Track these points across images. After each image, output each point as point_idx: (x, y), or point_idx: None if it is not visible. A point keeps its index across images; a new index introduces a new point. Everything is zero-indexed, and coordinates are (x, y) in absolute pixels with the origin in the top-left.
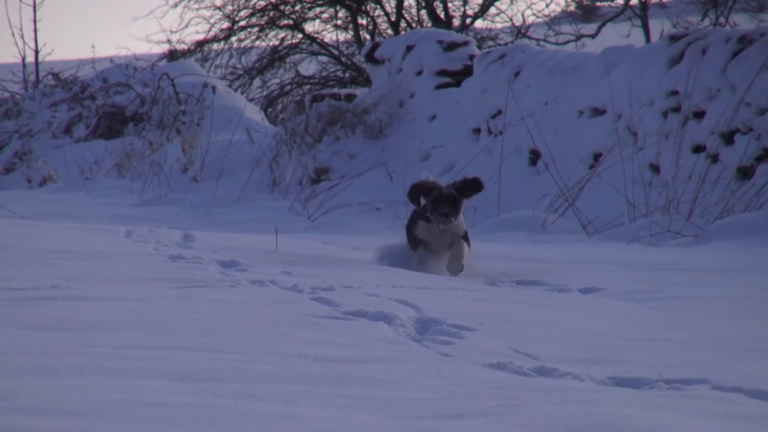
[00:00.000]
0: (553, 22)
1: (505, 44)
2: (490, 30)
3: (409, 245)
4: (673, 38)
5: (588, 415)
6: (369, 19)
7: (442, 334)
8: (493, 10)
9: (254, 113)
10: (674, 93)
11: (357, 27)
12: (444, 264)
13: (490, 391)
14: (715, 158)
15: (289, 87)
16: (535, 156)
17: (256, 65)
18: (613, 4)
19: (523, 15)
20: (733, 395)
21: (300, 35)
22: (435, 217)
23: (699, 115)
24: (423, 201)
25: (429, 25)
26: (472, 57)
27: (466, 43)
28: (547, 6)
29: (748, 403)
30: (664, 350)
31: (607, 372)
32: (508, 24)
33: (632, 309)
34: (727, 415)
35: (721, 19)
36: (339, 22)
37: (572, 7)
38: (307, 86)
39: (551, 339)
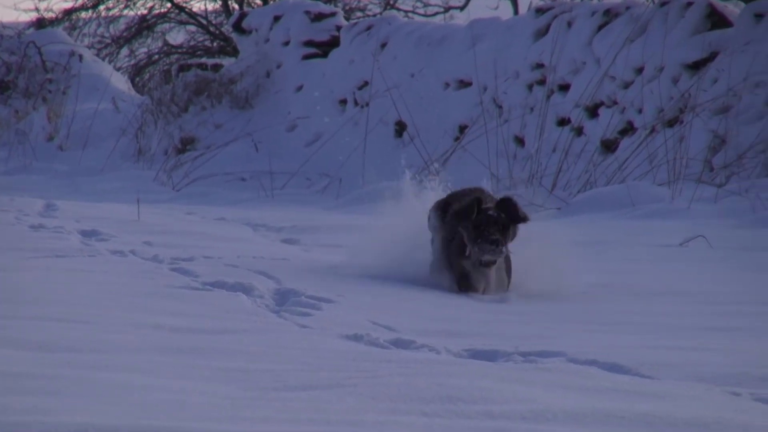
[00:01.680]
0: None
1: (373, 15)
2: (359, 1)
3: (447, 268)
4: (540, 11)
5: (440, 387)
6: None
7: (300, 306)
8: None
9: (121, 82)
10: (539, 66)
11: None
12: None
13: (345, 363)
14: (579, 131)
15: (156, 56)
16: (400, 127)
17: (124, 34)
18: None
19: None
20: (587, 368)
21: (169, 4)
22: (480, 245)
23: (564, 88)
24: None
25: None
26: (339, 28)
27: (333, 14)
28: None
29: (601, 377)
30: (522, 323)
31: (464, 344)
32: None
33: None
34: (579, 387)
35: None
36: None
37: None
38: (175, 56)
39: (410, 311)
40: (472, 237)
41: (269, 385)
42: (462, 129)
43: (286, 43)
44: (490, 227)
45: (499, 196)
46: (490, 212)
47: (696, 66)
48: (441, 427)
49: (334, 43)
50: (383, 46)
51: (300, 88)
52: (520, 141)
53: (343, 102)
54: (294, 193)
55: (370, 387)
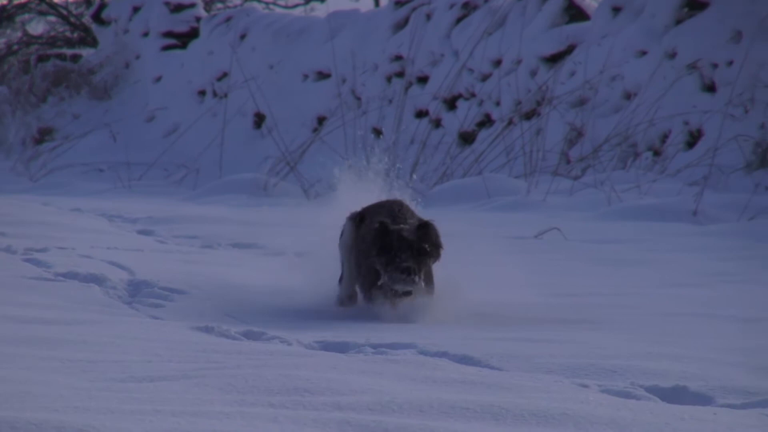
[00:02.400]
0: None
1: (233, 7)
2: None
3: (360, 289)
4: (398, 3)
5: (288, 378)
6: None
7: (153, 297)
8: None
9: None
10: (398, 58)
11: None
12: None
13: (194, 354)
14: (437, 123)
15: (16, 47)
16: (259, 119)
17: None
18: None
19: None
20: (437, 360)
21: None
22: (390, 274)
23: (422, 80)
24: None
25: None
26: (198, 19)
27: (192, 5)
28: None
29: (451, 368)
30: (375, 316)
31: (316, 336)
32: None
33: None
34: (427, 379)
35: None
36: None
37: None
38: (35, 46)
39: (263, 303)
40: (382, 263)
41: (116, 375)
42: (320, 121)
43: (146, 34)
44: (402, 253)
45: (418, 218)
46: (404, 234)
47: (553, 59)
48: (287, 418)
49: (193, 34)
50: (242, 37)
51: (159, 79)
52: (378, 132)
53: (202, 93)
54: (151, 184)
55: (218, 378)
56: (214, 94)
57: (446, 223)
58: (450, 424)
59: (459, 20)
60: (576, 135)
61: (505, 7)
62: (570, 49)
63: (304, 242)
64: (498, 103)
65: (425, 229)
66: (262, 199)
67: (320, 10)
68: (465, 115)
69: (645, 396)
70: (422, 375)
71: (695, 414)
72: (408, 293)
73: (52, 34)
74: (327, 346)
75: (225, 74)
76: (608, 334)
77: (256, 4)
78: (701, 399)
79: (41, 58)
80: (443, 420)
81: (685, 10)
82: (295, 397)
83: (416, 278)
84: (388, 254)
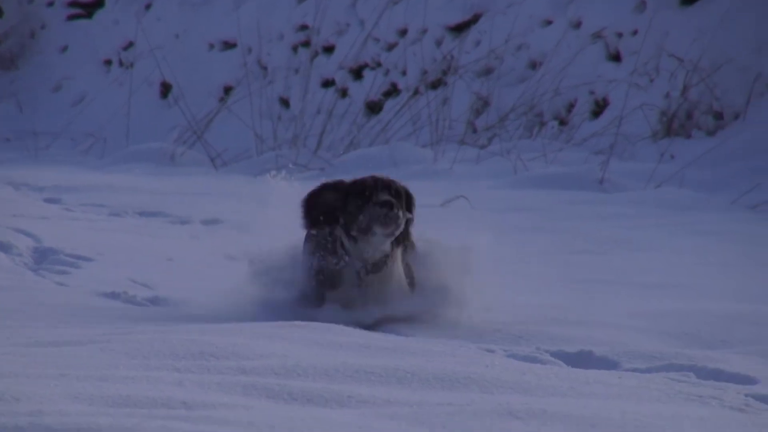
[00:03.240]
0: None
1: None
2: None
3: (309, 294)
4: None
5: (193, 343)
6: None
7: (59, 264)
8: None
9: None
10: (304, 27)
11: None
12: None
13: (100, 320)
14: (343, 93)
15: None
16: (165, 88)
17: None
18: None
19: None
20: (342, 326)
21: None
22: (368, 212)
23: (328, 50)
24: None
25: None
26: None
27: None
28: None
29: (357, 334)
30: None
31: (222, 302)
32: None
33: (251, 240)
34: (333, 344)
35: None
36: None
37: None
38: None
39: (169, 270)
40: (354, 210)
41: (20, 341)
42: (227, 90)
43: (51, 4)
44: (378, 191)
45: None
46: (378, 175)
47: (458, 28)
48: (192, 382)
49: (98, 3)
50: (148, 7)
51: (65, 49)
52: (285, 102)
53: (108, 62)
54: (59, 153)
55: (124, 343)
56: (121, 64)
57: None
58: (354, 387)
59: None
60: (482, 104)
61: None
62: (475, 19)
63: (210, 211)
64: (404, 73)
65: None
66: (169, 168)
67: None
68: (371, 84)
69: (550, 361)
70: (327, 340)
71: (600, 378)
72: (391, 234)
73: None
74: (233, 312)
75: (131, 44)
76: (513, 300)
77: None
78: (606, 363)
79: None
80: (348, 384)
81: None
82: (200, 362)
83: (399, 214)
84: (360, 195)
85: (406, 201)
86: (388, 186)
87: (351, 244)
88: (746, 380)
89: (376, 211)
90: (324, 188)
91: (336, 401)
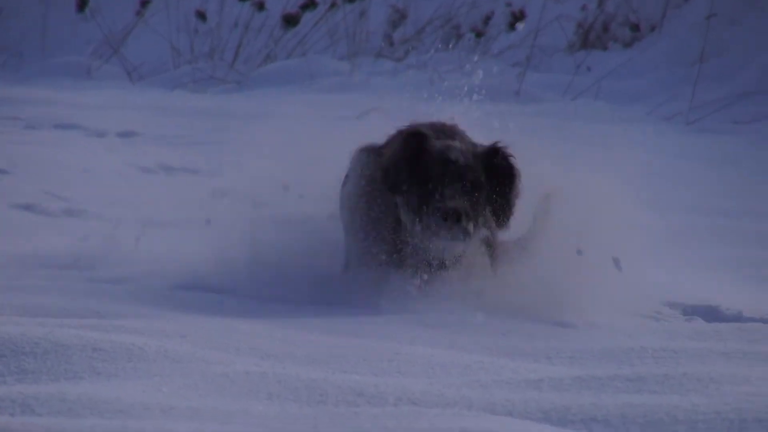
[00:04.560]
0: None
1: None
2: None
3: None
4: None
5: (104, 245)
6: None
7: None
8: None
9: None
10: None
11: None
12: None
13: (12, 230)
14: (260, 6)
15: None
16: (82, 2)
17: None
18: None
19: None
20: None
21: None
22: (425, 222)
23: None
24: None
25: None
26: None
27: None
28: None
29: None
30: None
31: (138, 214)
32: None
33: (167, 152)
34: None
35: None
36: None
37: None
38: None
39: (84, 182)
40: (412, 207)
41: None
42: (144, 4)
43: None
44: (447, 187)
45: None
46: (452, 156)
47: None
48: (104, 292)
49: None
50: None
51: None
52: (201, 16)
53: None
54: None
55: (36, 256)
56: None
57: (267, 103)
58: None
59: None
60: (399, 17)
61: None
62: None
63: (126, 123)
64: None
65: (494, 156)
66: (86, 81)
67: None
68: None
69: None
70: None
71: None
72: (452, 262)
73: None
74: (145, 220)
75: None
76: None
77: None
78: None
79: None
80: None
81: None
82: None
83: (469, 228)
84: (423, 186)
85: (504, 182)
86: (462, 174)
87: (410, 233)
88: None
89: (436, 222)
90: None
91: None
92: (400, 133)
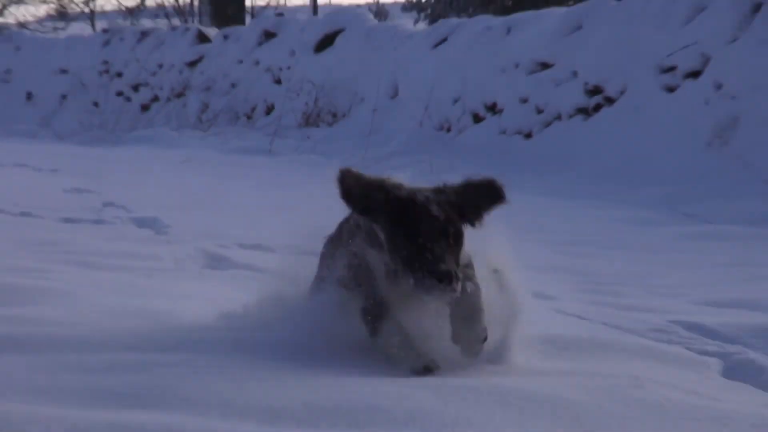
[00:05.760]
0: None
1: None
2: None
3: (362, 313)
4: None
5: None
6: None
7: None
8: None
9: None
10: (105, 62)
11: None
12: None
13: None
14: (128, 99)
15: None
16: (29, 96)
17: None
18: None
19: None
20: None
21: None
22: (417, 280)
23: (119, 75)
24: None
25: None
26: None
27: None
28: None
29: None
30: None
31: (59, 214)
32: None
33: (77, 179)
34: None
35: None
36: None
37: None
38: None
39: (31, 196)
40: (401, 256)
41: None
42: (64, 96)
43: None
44: (434, 243)
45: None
46: (432, 210)
47: (192, 63)
48: None
49: None
50: (17, 48)
51: None
52: (96, 105)
53: None
54: None
55: None
56: (4, 81)
57: (135, 155)
58: None
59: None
60: (205, 107)
61: (162, 33)
62: (200, 59)
63: (54, 164)
64: (161, 89)
65: (487, 187)
66: (32, 140)
67: None
68: (144, 95)
69: None
70: None
71: None
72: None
73: None
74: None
75: (9, 70)
76: None
77: None
78: None
79: None
80: None
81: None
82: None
83: (456, 286)
84: (410, 244)
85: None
86: (445, 232)
87: (392, 272)
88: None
89: (426, 282)
90: (362, 182)
91: None
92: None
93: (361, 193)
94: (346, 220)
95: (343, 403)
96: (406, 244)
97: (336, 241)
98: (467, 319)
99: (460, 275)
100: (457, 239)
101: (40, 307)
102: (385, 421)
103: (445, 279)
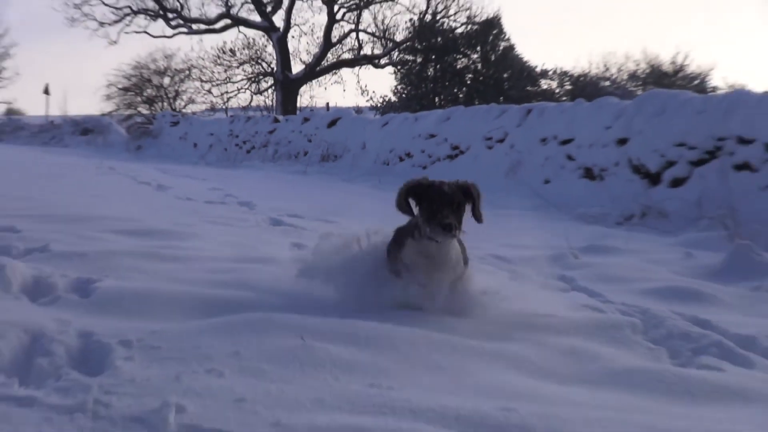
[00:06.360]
0: None
1: None
2: None
3: (390, 269)
4: None
5: None
6: None
7: None
8: None
9: None
10: None
11: None
12: (434, 297)
13: None
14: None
15: None
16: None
17: None
18: None
19: None
20: None
21: None
22: (432, 228)
23: None
24: (413, 208)
25: None
26: None
27: None
28: None
29: None
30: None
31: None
32: None
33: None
34: None
35: None
36: None
37: None
38: None
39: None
40: (425, 216)
41: None
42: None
43: None
44: (444, 208)
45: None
46: (445, 188)
47: None
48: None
49: None
50: None
51: None
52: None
53: None
54: None
55: None
56: None
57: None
58: None
59: None
60: (276, 152)
61: (258, 117)
62: (274, 130)
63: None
64: None
65: (467, 188)
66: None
67: None
68: None
69: None
70: None
71: None
72: (446, 245)
73: None
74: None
75: None
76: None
77: None
78: None
79: None
80: None
81: None
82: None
83: (456, 232)
84: (430, 207)
85: (471, 196)
86: (450, 202)
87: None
88: None
89: (439, 230)
90: (411, 188)
91: None
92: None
93: (405, 190)
94: (400, 227)
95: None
96: (428, 207)
97: (398, 231)
98: (458, 286)
99: (460, 228)
100: (459, 207)
101: (190, 242)
102: (385, 344)
103: (448, 228)
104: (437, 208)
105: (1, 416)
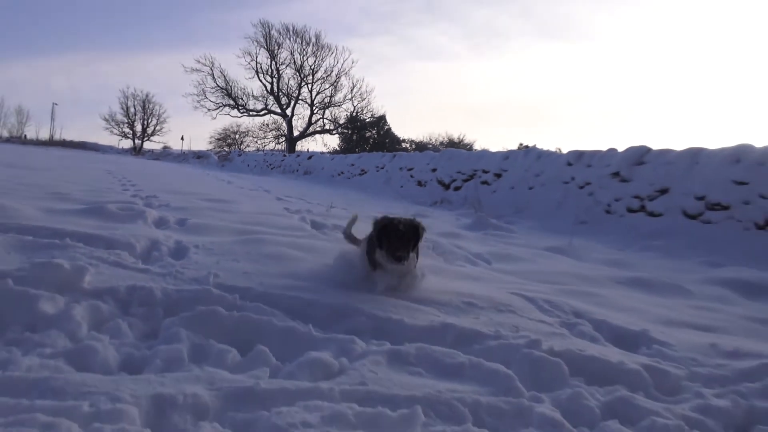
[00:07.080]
0: None
1: None
2: None
3: (369, 265)
4: None
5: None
6: None
7: None
8: None
9: None
10: None
11: None
12: (398, 281)
13: None
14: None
15: None
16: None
17: None
18: None
19: None
20: None
21: None
22: (389, 257)
23: None
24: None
25: None
26: None
27: None
28: None
29: None
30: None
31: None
32: None
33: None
34: None
35: None
36: None
37: None
38: None
39: (229, 191)
40: (384, 248)
41: None
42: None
43: None
44: (398, 243)
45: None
46: (400, 227)
47: None
48: None
49: None
50: None
51: None
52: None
53: None
54: None
55: None
56: None
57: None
58: None
59: None
60: (295, 170)
61: (271, 153)
62: (284, 158)
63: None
64: None
65: (414, 224)
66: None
67: None
68: None
69: None
70: None
71: None
72: (399, 265)
73: None
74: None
75: None
76: None
77: None
78: None
79: None
80: None
81: None
82: None
83: (406, 263)
84: (389, 243)
85: (417, 234)
86: (402, 240)
87: (382, 259)
88: None
89: (393, 260)
90: (382, 226)
91: None
92: (377, 220)
93: (375, 226)
94: (371, 234)
95: (340, 304)
96: (386, 241)
97: (367, 238)
98: (406, 286)
99: (409, 257)
100: (411, 241)
101: (235, 205)
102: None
103: (399, 259)
104: (393, 243)
105: (129, 277)
